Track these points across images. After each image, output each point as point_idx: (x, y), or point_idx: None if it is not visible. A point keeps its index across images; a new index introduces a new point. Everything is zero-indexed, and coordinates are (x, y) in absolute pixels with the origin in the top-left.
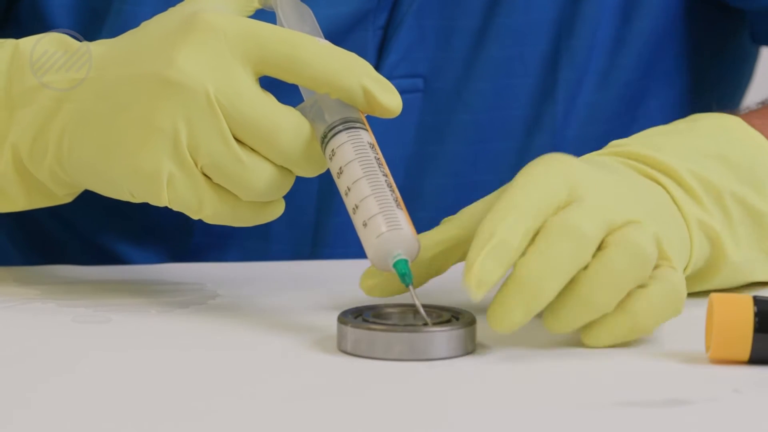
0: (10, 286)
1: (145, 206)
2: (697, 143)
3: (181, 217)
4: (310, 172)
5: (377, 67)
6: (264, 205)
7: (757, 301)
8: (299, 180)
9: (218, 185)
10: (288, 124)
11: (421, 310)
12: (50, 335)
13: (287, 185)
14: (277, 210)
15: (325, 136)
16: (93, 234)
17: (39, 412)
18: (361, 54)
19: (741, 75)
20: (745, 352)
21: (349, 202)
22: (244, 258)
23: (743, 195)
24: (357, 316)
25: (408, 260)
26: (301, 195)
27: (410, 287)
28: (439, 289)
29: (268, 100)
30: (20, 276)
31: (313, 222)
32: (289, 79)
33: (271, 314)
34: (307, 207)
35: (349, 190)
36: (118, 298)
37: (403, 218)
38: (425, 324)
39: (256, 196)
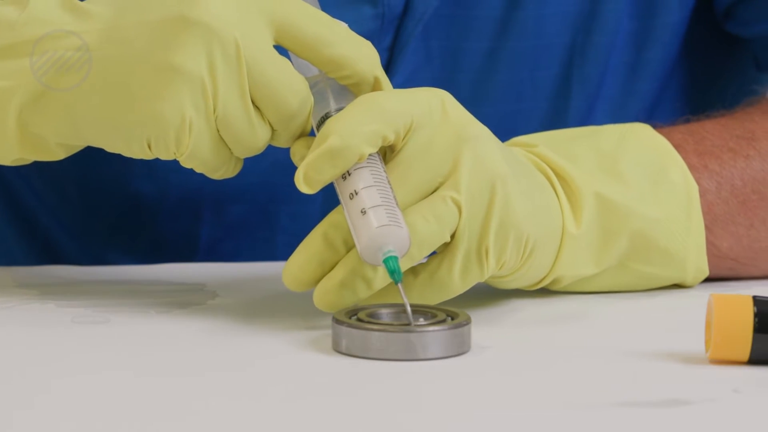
0: (10, 286)
1: (151, 224)
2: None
3: (185, 236)
4: (290, 143)
5: None
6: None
7: (756, 301)
8: (307, 204)
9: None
10: (300, 92)
11: (409, 310)
12: (50, 335)
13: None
14: (240, 166)
15: (324, 118)
16: (100, 251)
17: (39, 412)
18: None
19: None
20: (745, 353)
21: (346, 188)
22: None
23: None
24: (352, 316)
25: (398, 257)
26: (306, 219)
27: (399, 286)
28: None
29: (285, 62)
30: (20, 276)
31: None
32: (304, 54)
33: (268, 314)
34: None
35: (348, 174)
36: (118, 299)
37: (402, 218)
38: (409, 324)
39: (247, 154)
